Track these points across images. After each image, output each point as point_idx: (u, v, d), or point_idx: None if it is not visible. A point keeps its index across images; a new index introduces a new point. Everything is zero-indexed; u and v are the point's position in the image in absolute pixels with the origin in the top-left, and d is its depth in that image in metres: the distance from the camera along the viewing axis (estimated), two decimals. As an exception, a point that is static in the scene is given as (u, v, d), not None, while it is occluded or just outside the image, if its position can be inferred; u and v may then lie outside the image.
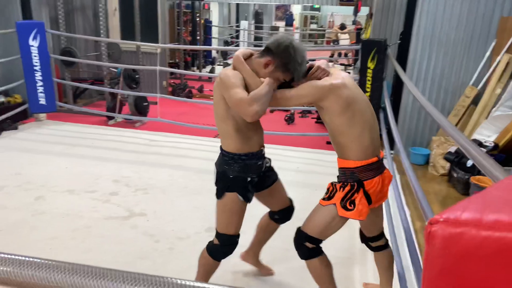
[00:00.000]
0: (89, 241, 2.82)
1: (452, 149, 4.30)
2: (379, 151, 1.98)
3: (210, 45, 11.52)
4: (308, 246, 1.96)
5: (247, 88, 1.85)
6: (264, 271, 2.53)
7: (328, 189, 1.99)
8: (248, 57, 1.92)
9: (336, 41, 14.10)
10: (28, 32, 5.01)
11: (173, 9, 9.80)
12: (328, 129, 1.93)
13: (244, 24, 14.34)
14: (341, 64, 11.48)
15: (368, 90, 4.35)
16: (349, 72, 9.92)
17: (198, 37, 10.59)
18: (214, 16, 13.06)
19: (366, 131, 1.88)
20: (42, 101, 5.31)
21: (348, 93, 1.83)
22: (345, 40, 14.04)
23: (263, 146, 2.08)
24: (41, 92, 5.27)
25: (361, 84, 4.42)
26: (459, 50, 4.57)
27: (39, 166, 4.08)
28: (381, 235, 2.21)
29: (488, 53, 4.50)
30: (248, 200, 2.04)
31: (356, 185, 1.88)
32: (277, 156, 4.59)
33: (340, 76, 1.89)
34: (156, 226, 3.03)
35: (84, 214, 3.16)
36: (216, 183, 2.02)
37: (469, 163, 3.92)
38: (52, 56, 5.45)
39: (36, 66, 5.15)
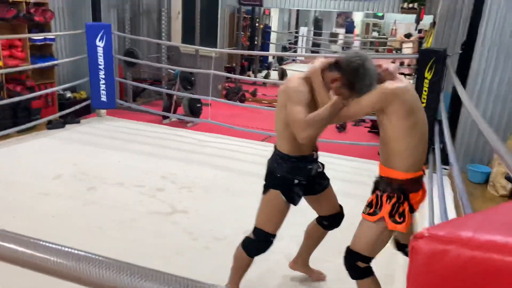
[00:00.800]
0: (132, 233, 2.93)
1: (515, 168, 3.98)
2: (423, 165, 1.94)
3: (268, 50, 11.60)
4: (360, 265, 1.93)
5: (313, 103, 1.89)
6: (315, 277, 2.51)
7: (371, 202, 1.92)
8: (324, 68, 1.91)
9: (399, 50, 13.63)
10: (96, 33, 5.34)
11: (234, 14, 9.99)
12: (383, 133, 1.86)
13: (303, 30, 14.30)
14: (402, 74, 11.07)
15: (424, 101, 4.14)
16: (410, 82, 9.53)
17: (256, 42, 10.70)
18: (274, 22, 13.14)
19: (422, 143, 1.86)
20: (103, 98, 5.63)
21: (414, 100, 1.82)
22: (408, 49, 13.56)
23: (316, 151, 2.09)
24: (103, 90, 5.60)
25: (417, 93, 4.22)
26: (529, 62, 4.23)
27: (94, 159, 4.32)
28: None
29: (562, 67, 4.13)
30: (291, 201, 2.03)
31: (402, 197, 1.84)
32: (326, 164, 4.51)
33: (406, 82, 1.88)
34: (196, 224, 3.08)
35: (131, 207, 3.30)
36: (265, 179, 2.08)
37: (533, 184, 3.60)
38: (115, 56, 5.76)
39: (100, 65, 5.48)
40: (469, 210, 2.53)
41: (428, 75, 4.04)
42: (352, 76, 1.79)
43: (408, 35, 14.01)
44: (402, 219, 1.83)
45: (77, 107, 5.58)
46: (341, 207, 2.29)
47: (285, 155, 1.99)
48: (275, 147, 2.06)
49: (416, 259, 0.45)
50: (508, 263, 0.40)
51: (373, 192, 1.97)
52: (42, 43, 5.49)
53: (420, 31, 16.22)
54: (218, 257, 2.62)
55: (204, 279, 2.33)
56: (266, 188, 2.05)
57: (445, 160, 4.40)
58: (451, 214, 3.60)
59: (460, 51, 4.32)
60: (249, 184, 3.59)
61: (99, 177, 3.82)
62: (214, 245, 2.79)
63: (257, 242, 2.07)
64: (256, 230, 2.07)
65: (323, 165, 2.18)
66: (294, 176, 2.01)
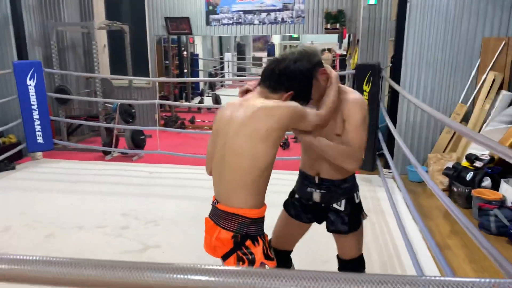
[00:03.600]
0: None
1: (450, 164, 4.45)
2: None
3: (197, 77, 11.71)
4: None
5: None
6: None
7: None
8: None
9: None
10: (26, 71, 5.04)
11: (160, 44, 9.98)
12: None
13: (227, 56, 14.64)
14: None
15: (365, 112, 4.49)
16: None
17: (185, 70, 10.75)
18: (199, 49, 13.32)
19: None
20: (40, 139, 5.28)
21: None
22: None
23: (318, 174, 1.88)
24: (38, 131, 5.26)
25: (358, 106, 4.57)
26: (446, 70, 4.80)
27: (43, 205, 4.03)
28: None
29: (473, 72, 4.74)
30: (287, 211, 2.02)
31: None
32: (277, 180, 4.66)
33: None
34: (173, 258, 3.01)
35: (98, 249, 3.13)
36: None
37: (469, 176, 4.05)
38: (48, 95, 5.46)
39: (33, 105, 5.15)
40: (411, 204, 2.82)
41: (366, 88, 4.40)
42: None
43: (329, 50, 15.15)
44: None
45: (9, 153, 5.16)
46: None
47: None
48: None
49: None
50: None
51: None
52: (-38, 86, 5.05)
53: (329, 49, 17.51)
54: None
55: None
56: None
57: (386, 165, 4.79)
58: (403, 208, 3.90)
59: (390, 64, 4.77)
60: (217, 210, 3.59)
61: (54, 223, 3.57)
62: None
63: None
64: None
65: (324, 195, 1.88)
66: (296, 190, 2.02)
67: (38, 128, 5.23)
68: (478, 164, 4.11)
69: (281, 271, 0.60)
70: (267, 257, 1.56)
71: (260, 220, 1.60)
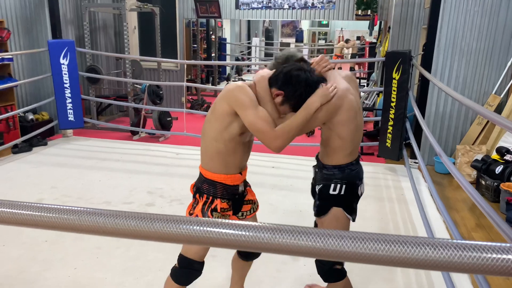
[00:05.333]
0: (133, 249, 2.88)
1: (479, 156, 4.34)
2: None
3: (225, 61, 11.74)
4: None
5: None
6: None
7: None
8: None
9: (357, 55, 14.37)
10: (60, 50, 5.18)
11: (189, 28, 10.03)
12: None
13: (255, 41, 14.58)
14: (356, 78, 11.63)
15: (394, 100, 4.41)
16: (363, 86, 10.02)
17: (212, 54, 10.79)
18: (227, 34, 13.32)
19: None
20: (71, 117, 5.45)
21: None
22: (347, 54, 14.46)
23: (317, 154, 2.02)
24: (70, 109, 5.42)
25: (386, 94, 4.49)
26: (480, 59, 4.65)
27: (73, 180, 4.18)
28: None
29: (510, 62, 4.57)
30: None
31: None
32: (301, 166, 4.67)
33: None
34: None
35: (124, 224, 3.22)
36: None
37: (498, 169, 3.95)
38: (80, 74, 5.60)
39: (66, 83, 5.31)
40: (436, 195, 2.77)
41: (396, 75, 4.31)
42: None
43: (346, 41, 14.86)
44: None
45: (43, 129, 5.35)
46: None
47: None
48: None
49: None
50: None
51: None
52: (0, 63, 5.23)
53: (358, 37, 17.16)
54: (226, 263, 2.64)
55: (217, 284, 2.38)
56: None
57: (413, 155, 4.71)
58: (427, 199, 3.85)
59: (422, 52, 4.64)
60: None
61: (83, 198, 3.70)
62: (220, 252, 2.81)
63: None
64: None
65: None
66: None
67: (69, 106, 5.39)
68: (508, 157, 3.99)
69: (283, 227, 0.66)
70: (202, 213, 1.83)
71: (213, 183, 1.83)
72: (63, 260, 2.75)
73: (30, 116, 5.54)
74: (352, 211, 1.92)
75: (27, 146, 5.06)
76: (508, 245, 0.60)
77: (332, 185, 1.87)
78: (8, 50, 5.34)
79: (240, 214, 1.98)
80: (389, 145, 4.54)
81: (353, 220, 1.94)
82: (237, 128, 1.73)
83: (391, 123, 4.48)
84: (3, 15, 5.36)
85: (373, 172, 4.64)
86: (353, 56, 14.64)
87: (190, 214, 1.87)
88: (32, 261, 2.74)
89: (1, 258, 2.76)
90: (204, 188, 1.83)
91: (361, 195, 1.99)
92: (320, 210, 1.93)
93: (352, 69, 13.07)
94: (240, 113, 1.68)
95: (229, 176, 1.82)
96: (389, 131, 4.53)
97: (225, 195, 1.84)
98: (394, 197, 3.95)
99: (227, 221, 0.71)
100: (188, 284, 1.93)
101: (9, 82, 5.15)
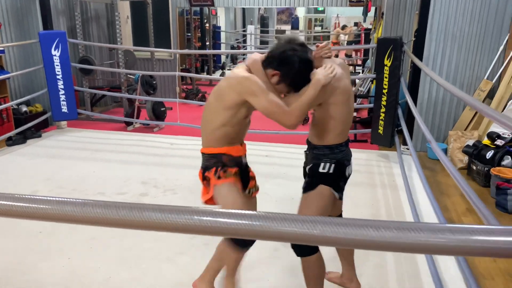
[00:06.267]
0: (127, 240, 2.92)
1: (470, 142, 4.37)
2: None
3: (219, 50, 11.67)
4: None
5: None
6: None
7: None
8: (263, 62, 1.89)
9: (354, 42, 14.29)
10: (51, 42, 5.16)
11: (183, 16, 9.95)
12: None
13: (250, 28, 14.48)
14: (350, 65, 11.58)
15: (386, 87, 4.43)
16: (359, 72, 10.02)
17: (207, 43, 10.73)
18: (221, 22, 13.22)
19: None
20: (64, 109, 5.44)
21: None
22: (344, 41, 14.41)
23: (308, 137, 2.13)
24: (63, 101, 5.41)
25: (378, 81, 4.50)
26: (472, 44, 4.65)
27: (67, 171, 4.20)
28: None
29: (501, 47, 4.58)
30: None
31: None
32: (294, 154, 4.69)
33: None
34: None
35: (118, 214, 3.26)
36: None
37: (489, 154, 3.98)
38: (72, 65, 5.58)
39: (58, 75, 5.29)
40: (425, 181, 2.81)
41: (387, 62, 4.32)
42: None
43: (343, 27, 14.81)
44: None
45: (36, 121, 5.35)
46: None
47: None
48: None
49: None
50: None
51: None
52: (-9, 56, 5.21)
53: (356, 23, 17.04)
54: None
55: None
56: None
57: (405, 142, 4.74)
58: (418, 185, 3.89)
59: (413, 39, 4.64)
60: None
61: (77, 189, 3.73)
62: (214, 240, 2.84)
63: None
64: None
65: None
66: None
67: (62, 97, 5.38)
68: (499, 142, 4.02)
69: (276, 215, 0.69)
70: (218, 177, 1.90)
71: (218, 155, 1.93)
72: (58, 251, 2.79)
73: (24, 108, 5.53)
74: (339, 189, 2.01)
75: (21, 139, 5.07)
76: (485, 227, 0.62)
77: (322, 164, 1.96)
78: (-1, 42, 5.32)
79: (248, 191, 2.11)
80: (381, 132, 4.56)
81: (340, 198, 2.06)
82: (244, 112, 1.88)
83: (383, 110, 4.50)
84: (-7, 6, 5.31)
85: (366, 159, 4.67)
86: (349, 43, 14.58)
87: (206, 203, 2.01)
88: (28, 252, 2.77)
89: (-3, 250, 2.80)
90: (211, 163, 1.94)
91: (349, 176, 2.08)
92: (307, 186, 2.01)
93: (349, 56, 13.03)
94: (252, 101, 1.79)
95: (232, 147, 1.95)
96: (381, 118, 4.55)
97: (232, 163, 1.95)
98: (386, 184, 3.99)
99: (221, 210, 0.74)
100: (248, 245, 2.03)
101: (1, 74, 5.14)
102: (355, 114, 6.11)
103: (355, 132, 5.51)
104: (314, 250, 1.99)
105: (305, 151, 2.15)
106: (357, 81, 7.36)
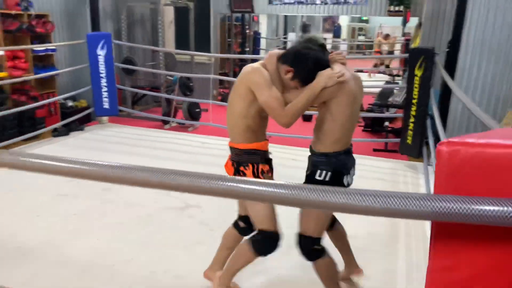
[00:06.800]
0: (151, 227, 3.12)
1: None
2: None
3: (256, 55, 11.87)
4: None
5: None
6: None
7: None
8: (278, 58, 1.98)
9: (379, 52, 14.12)
10: (97, 42, 5.53)
11: (224, 22, 10.25)
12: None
13: (291, 36, 14.62)
14: (389, 75, 11.44)
15: (415, 97, 4.42)
16: (397, 83, 9.88)
17: (247, 49, 10.96)
18: (263, 28, 13.45)
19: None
20: (106, 105, 5.80)
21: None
22: (385, 51, 14.20)
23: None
24: (105, 97, 5.77)
25: (409, 91, 4.50)
26: (511, 57, 4.54)
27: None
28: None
29: (541, 61, 4.44)
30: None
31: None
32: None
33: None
34: (211, 217, 3.28)
35: (146, 204, 3.48)
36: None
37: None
38: (115, 65, 5.94)
39: (102, 73, 5.66)
40: None
41: (418, 72, 4.31)
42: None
43: (385, 36, 14.60)
44: None
45: (80, 115, 5.74)
46: None
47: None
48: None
49: (440, 157, 0.70)
50: (497, 154, 0.65)
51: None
52: (44, 53, 5.64)
53: (404, 33, 16.76)
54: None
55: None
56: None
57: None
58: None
59: (447, 49, 4.60)
60: (256, 180, 3.80)
61: (111, 179, 3.99)
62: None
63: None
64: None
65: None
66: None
67: (105, 94, 5.74)
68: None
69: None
70: (256, 177, 2.00)
71: (252, 151, 2.03)
72: (88, 232, 3.04)
73: (70, 103, 5.95)
74: None
75: (66, 131, 5.46)
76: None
77: (318, 171, 2.00)
78: (52, 41, 5.76)
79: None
80: (409, 142, 4.54)
81: None
82: (258, 106, 1.96)
83: (412, 120, 4.48)
84: (49, 9, 5.77)
85: (392, 168, 4.66)
86: (390, 52, 14.39)
87: None
88: (62, 231, 3.04)
89: (35, 227, 3.08)
90: (245, 159, 2.04)
91: (348, 185, 2.06)
92: None
93: (387, 66, 12.87)
94: (256, 93, 1.90)
95: (261, 143, 2.07)
96: (410, 127, 4.53)
97: (263, 159, 2.09)
98: (410, 192, 3.97)
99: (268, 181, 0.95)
100: (268, 253, 2.11)
101: (52, 71, 5.57)
102: (387, 123, 6.08)
103: (386, 141, 5.50)
104: (322, 253, 2.07)
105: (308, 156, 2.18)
106: (394, 91, 7.30)
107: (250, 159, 2.04)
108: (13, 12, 5.13)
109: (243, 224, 2.31)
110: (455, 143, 0.72)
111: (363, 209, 0.78)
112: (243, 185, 0.94)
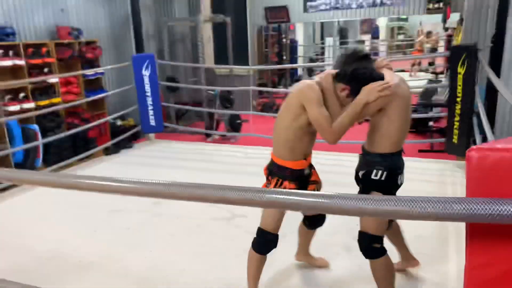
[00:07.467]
0: (201, 237, 3.25)
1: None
2: None
3: (296, 64, 11.95)
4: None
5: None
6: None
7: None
8: (334, 77, 2.10)
9: (435, 49, 13.74)
10: (142, 63, 5.83)
11: (261, 33, 10.42)
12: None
13: (329, 40, 14.57)
14: (432, 73, 11.11)
15: (459, 95, 4.30)
16: (440, 81, 9.58)
17: (284, 57, 11.07)
18: (299, 35, 13.51)
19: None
20: (152, 122, 6.08)
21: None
22: (428, 48, 13.76)
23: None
24: (151, 115, 6.05)
25: (452, 89, 4.38)
26: (561, 48, 4.31)
27: (154, 177, 4.67)
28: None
29: None
30: None
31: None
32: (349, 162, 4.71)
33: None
34: (257, 225, 3.35)
35: (194, 215, 3.62)
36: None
37: None
38: (160, 83, 6.22)
39: (147, 92, 5.94)
40: None
41: (461, 70, 4.20)
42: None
43: (428, 33, 14.17)
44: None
45: (129, 133, 6.05)
46: None
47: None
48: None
49: (470, 162, 0.74)
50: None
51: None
52: (94, 77, 6.02)
53: (446, 29, 16.21)
54: (285, 251, 2.87)
55: (277, 271, 2.65)
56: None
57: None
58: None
59: (491, 44, 4.45)
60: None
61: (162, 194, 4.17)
62: (280, 241, 3.05)
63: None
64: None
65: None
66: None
67: (151, 112, 6.02)
68: None
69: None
70: None
71: (282, 168, 2.18)
72: (142, 244, 3.20)
73: (118, 122, 6.28)
74: None
75: (116, 149, 5.77)
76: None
77: (374, 171, 2.07)
78: (100, 65, 6.13)
79: None
80: (456, 141, 4.42)
81: None
82: (306, 119, 2.07)
83: (457, 118, 4.36)
84: (97, 35, 6.15)
85: (440, 169, 4.54)
86: (433, 50, 13.96)
87: None
88: (118, 244, 3.23)
89: (94, 241, 3.30)
90: (275, 171, 2.22)
91: (401, 184, 2.15)
92: (362, 193, 2.14)
93: (431, 64, 12.51)
94: (307, 108, 2.02)
95: (295, 162, 2.18)
96: (455, 127, 4.41)
97: (292, 177, 2.20)
98: (450, 193, 3.87)
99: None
100: (266, 253, 2.33)
101: (102, 93, 5.92)
102: (431, 123, 5.93)
103: (431, 141, 5.36)
104: (382, 253, 2.12)
105: (359, 154, 2.27)
106: (438, 90, 7.10)
107: (279, 174, 2.20)
108: (66, 41, 5.51)
109: (308, 222, 2.56)
110: (484, 149, 0.76)
111: (400, 213, 0.83)
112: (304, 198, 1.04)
